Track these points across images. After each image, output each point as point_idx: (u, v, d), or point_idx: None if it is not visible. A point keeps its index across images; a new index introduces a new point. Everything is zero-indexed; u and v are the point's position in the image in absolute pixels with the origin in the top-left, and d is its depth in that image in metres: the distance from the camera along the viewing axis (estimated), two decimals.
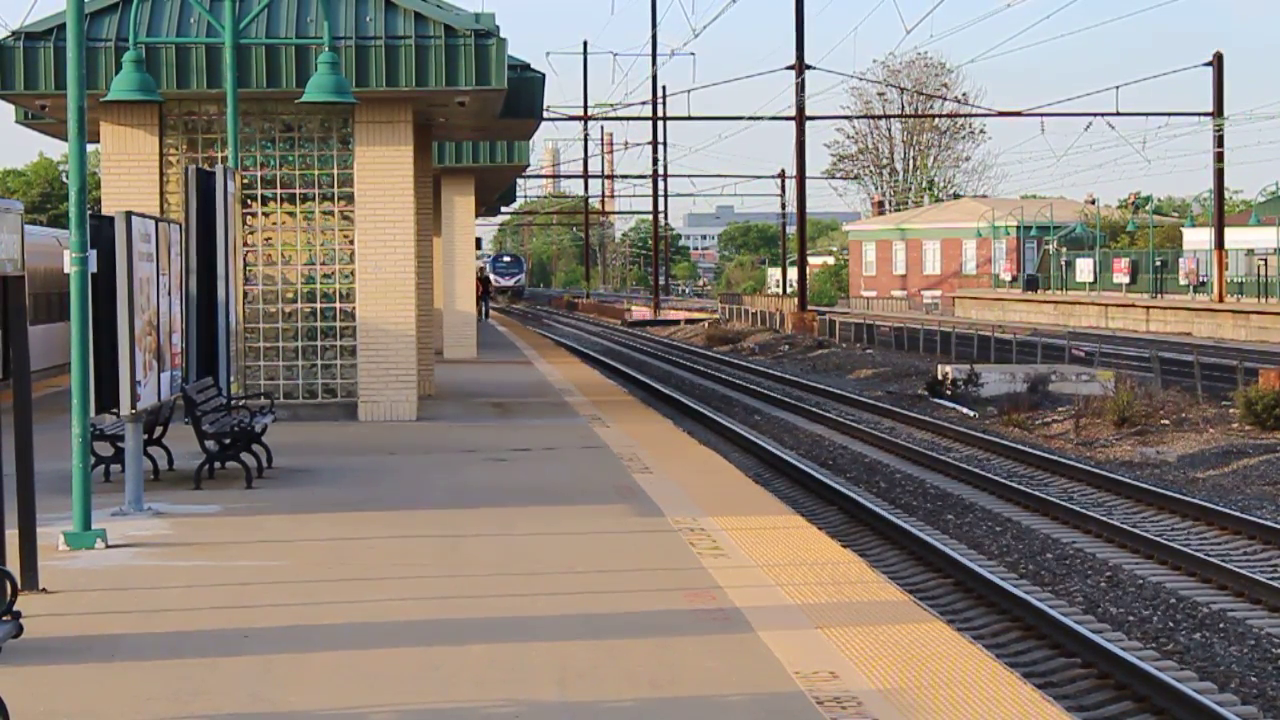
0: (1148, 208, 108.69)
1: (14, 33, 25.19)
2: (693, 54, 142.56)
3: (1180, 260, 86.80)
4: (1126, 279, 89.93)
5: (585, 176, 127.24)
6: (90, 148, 21.92)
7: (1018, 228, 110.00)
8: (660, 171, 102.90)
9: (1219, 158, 72.92)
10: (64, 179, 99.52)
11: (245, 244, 26.16)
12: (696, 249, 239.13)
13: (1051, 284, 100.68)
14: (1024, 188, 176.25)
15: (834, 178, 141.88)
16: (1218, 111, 71.62)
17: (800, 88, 69.72)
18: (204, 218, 20.50)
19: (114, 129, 25.99)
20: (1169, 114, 72.96)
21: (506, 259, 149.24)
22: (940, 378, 42.64)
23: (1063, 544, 20.56)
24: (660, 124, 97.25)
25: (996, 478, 25.80)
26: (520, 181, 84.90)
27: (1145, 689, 13.48)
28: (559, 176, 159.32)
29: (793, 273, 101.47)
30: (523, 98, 29.70)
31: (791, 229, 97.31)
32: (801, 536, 15.70)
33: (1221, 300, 74.58)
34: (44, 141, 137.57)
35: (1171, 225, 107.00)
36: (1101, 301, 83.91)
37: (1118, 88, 75.64)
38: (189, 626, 11.92)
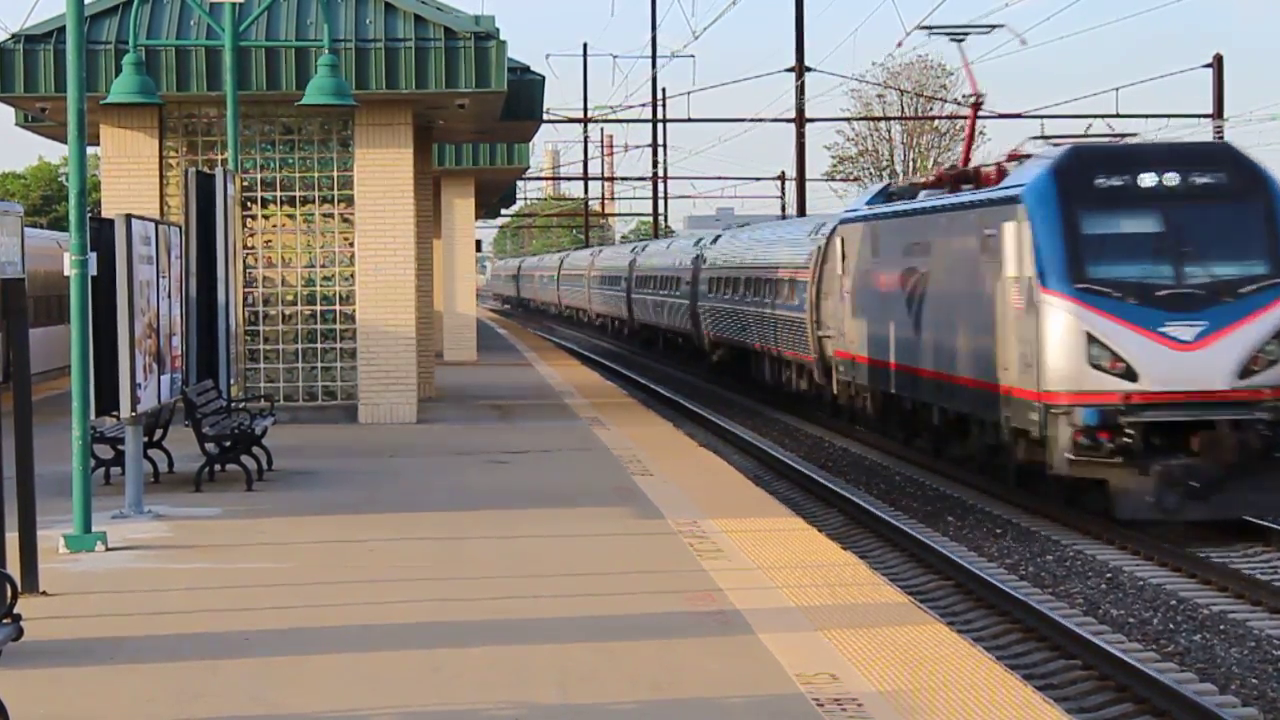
0: None
1: (14, 35, 25.20)
2: (693, 56, 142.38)
3: None
4: None
5: (585, 179, 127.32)
6: (90, 150, 21.92)
7: None
8: (660, 173, 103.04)
9: None
10: (64, 182, 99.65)
11: (245, 246, 26.16)
12: None
13: None
14: None
15: (834, 180, 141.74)
16: (1218, 113, 71.59)
17: (800, 90, 69.82)
18: (204, 220, 20.51)
19: (114, 132, 25.98)
20: (1169, 115, 72.71)
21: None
22: None
23: (1063, 546, 20.55)
24: (660, 126, 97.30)
25: (996, 479, 25.75)
26: (520, 184, 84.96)
27: (1146, 691, 13.48)
28: (559, 179, 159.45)
29: None
30: (523, 100, 29.70)
31: None
32: (802, 538, 15.70)
33: None
34: (43, 144, 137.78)
35: None
36: None
37: (1117, 89, 75.62)
38: (189, 629, 11.92)
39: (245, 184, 25.90)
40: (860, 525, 22.48)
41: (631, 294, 61.33)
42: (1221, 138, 70.35)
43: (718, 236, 49.49)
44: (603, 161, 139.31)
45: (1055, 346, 20.21)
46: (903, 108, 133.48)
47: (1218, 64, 72.86)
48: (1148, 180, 20.70)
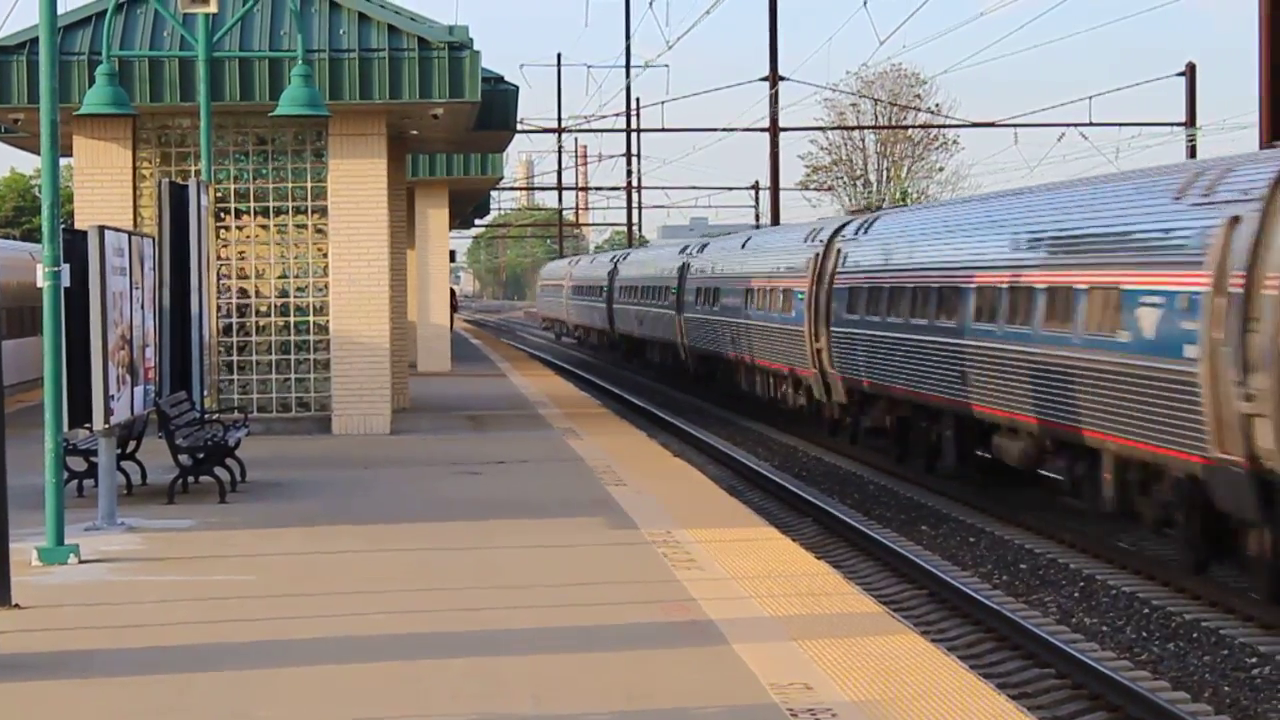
0: None
1: None
2: (667, 66, 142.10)
3: None
4: None
5: (559, 189, 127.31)
6: (63, 162, 21.87)
7: None
8: (634, 183, 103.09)
9: None
10: (36, 193, 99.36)
11: (219, 257, 26.13)
12: None
13: None
14: None
15: (808, 189, 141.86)
16: (1190, 122, 71.79)
17: (774, 99, 69.89)
18: (177, 231, 20.49)
19: (87, 143, 25.94)
20: (1142, 124, 73.10)
21: None
22: None
23: (1036, 555, 20.59)
24: (634, 136, 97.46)
25: (970, 488, 25.81)
26: (494, 194, 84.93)
27: (1119, 699, 13.52)
28: (533, 189, 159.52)
29: None
30: (496, 110, 29.72)
31: None
32: (776, 548, 15.71)
33: None
34: (16, 156, 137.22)
35: None
36: None
37: (1090, 98, 76.12)
38: (163, 642, 11.89)
39: (219, 194, 25.86)
40: (834, 535, 22.50)
41: None
42: (1194, 147, 70.62)
43: None
44: (577, 171, 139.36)
45: None
46: (876, 117, 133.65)
47: (1190, 73, 73.01)
48: None
